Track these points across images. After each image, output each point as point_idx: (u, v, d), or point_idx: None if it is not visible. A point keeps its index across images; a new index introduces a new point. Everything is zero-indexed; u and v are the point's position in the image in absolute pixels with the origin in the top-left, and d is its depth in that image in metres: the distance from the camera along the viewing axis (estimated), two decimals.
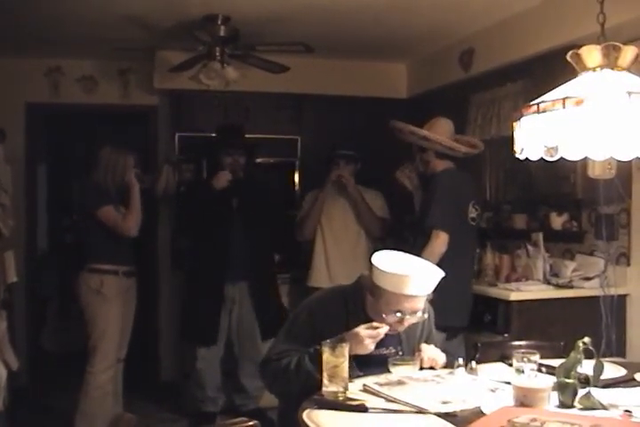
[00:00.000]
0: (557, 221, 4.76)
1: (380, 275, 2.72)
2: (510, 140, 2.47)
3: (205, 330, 5.02)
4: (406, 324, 2.79)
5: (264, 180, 5.46)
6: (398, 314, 2.72)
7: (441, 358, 2.87)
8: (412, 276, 2.68)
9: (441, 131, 4.50)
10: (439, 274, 2.75)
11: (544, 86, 2.56)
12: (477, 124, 5.24)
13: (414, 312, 2.76)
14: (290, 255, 5.66)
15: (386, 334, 2.77)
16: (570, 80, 2.37)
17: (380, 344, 2.77)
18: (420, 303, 2.76)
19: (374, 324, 2.71)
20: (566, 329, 3.99)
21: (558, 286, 4.52)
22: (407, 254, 2.87)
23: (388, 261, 2.75)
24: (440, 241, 4.19)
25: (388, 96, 6.21)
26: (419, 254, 2.95)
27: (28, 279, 6.04)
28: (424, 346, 2.88)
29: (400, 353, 2.89)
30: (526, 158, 2.38)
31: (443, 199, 4.30)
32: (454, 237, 4.24)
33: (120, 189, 4.69)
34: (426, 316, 2.85)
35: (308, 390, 2.53)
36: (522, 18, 4.68)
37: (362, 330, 2.68)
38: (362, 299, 2.87)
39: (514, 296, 4.31)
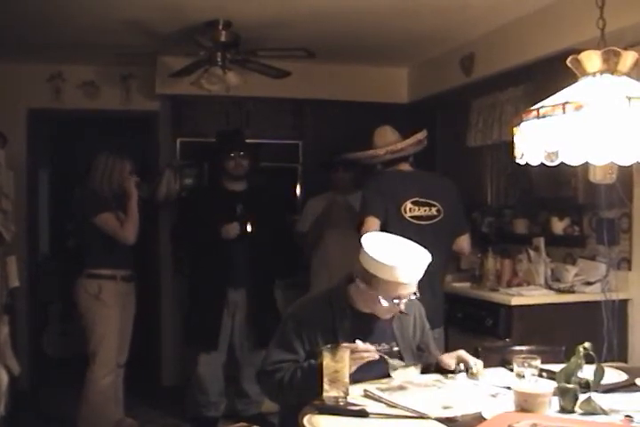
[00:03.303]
0: (559, 226, 4.77)
1: (376, 265, 2.74)
2: (511, 145, 2.47)
3: (207, 335, 5.01)
4: (401, 308, 2.81)
5: (266, 185, 5.46)
6: (396, 300, 2.76)
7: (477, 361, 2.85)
8: (408, 265, 2.73)
9: (379, 141, 4.48)
10: (428, 258, 2.81)
11: (545, 91, 2.56)
12: (479, 128, 5.23)
13: (409, 296, 2.81)
14: (291, 260, 5.65)
15: (375, 330, 2.87)
16: (573, 83, 2.38)
17: (372, 341, 2.80)
18: (414, 288, 2.81)
19: (360, 346, 2.67)
20: (568, 334, 3.97)
21: (560, 291, 4.52)
22: (393, 237, 2.94)
23: (381, 249, 2.78)
24: (369, 224, 4.16)
25: (389, 101, 6.21)
26: None
27: (31, 284, 6.05)
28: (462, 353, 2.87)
29: (395, 349, 2.90)
30: (527, 163, 2.38)
31: (365, 196, 4.31)
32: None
33: (117, 195, 4.70)
34: (418, 295, 2.86)
35: (305, 402, 2.52)
36: (522, 23, 4.68)
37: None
38: (346, 296, 2.90)
39: (515, 301, 4.32)
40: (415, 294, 2.82)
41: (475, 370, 2.78)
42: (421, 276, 2.80)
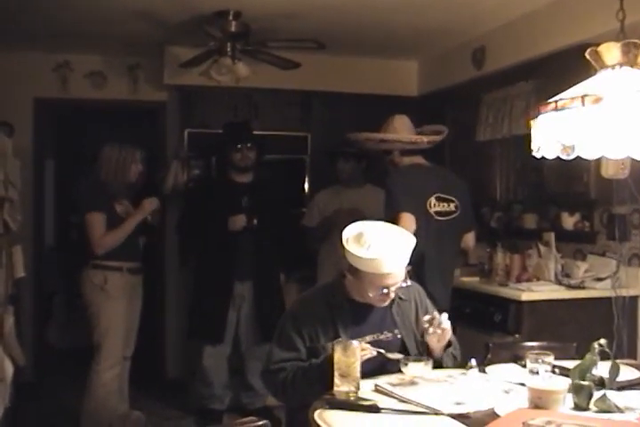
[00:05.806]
0: (569, 221, 4.73)
1: (355, 259, 2.76)
2: (523, 139, 2.44)
3: (212, 328, 5.00)
4: (392, 296, 2.83)
5: (273, 178, 5.43)
6: (385, 290, 2.78)
7: (449, 332, 2.84)
8: (389, 255, 2.72)
9: (400, 128, 4.40)
10: (411, 243, 2.80)
11: (556, 85, 2.54)
12: (489, 123, 5.19)
13: (396, 284, 2.81)
14: (297, 254, 5.61)
15: (375, 319, 2.89)
16: (584, 79, 2.34)
17: (373, 331, 2.86)
18: (401, 275, 2.81)
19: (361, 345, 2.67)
20: (578, 330, 3.97)
21: (570, 287, 4.49)
22: (372, 225, 2.88)
23: (358, 243, 2.77)
24: (406, 221, 4.00)
25: (398, 94, 6.17)
26: None
27: (35, 275, 6.03)
28: (444, 316, 2.83)
29: (398, 336, 2.90)
30: (541, 157, 2.35)
31: (394, 192, 4.17)
32: (418, 233, 4.12)
33: (130, 185, 4.67)
34: (409, 283, 2.89)
35: (307, 403, 2.50)
36: (535, 16, 4.64)
37: None
38: (343, 289, 2.91)
39: (525, 296, 4.29)
40: (405, 281, 2.84)
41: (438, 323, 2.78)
42: (407, 262, 2.81)
